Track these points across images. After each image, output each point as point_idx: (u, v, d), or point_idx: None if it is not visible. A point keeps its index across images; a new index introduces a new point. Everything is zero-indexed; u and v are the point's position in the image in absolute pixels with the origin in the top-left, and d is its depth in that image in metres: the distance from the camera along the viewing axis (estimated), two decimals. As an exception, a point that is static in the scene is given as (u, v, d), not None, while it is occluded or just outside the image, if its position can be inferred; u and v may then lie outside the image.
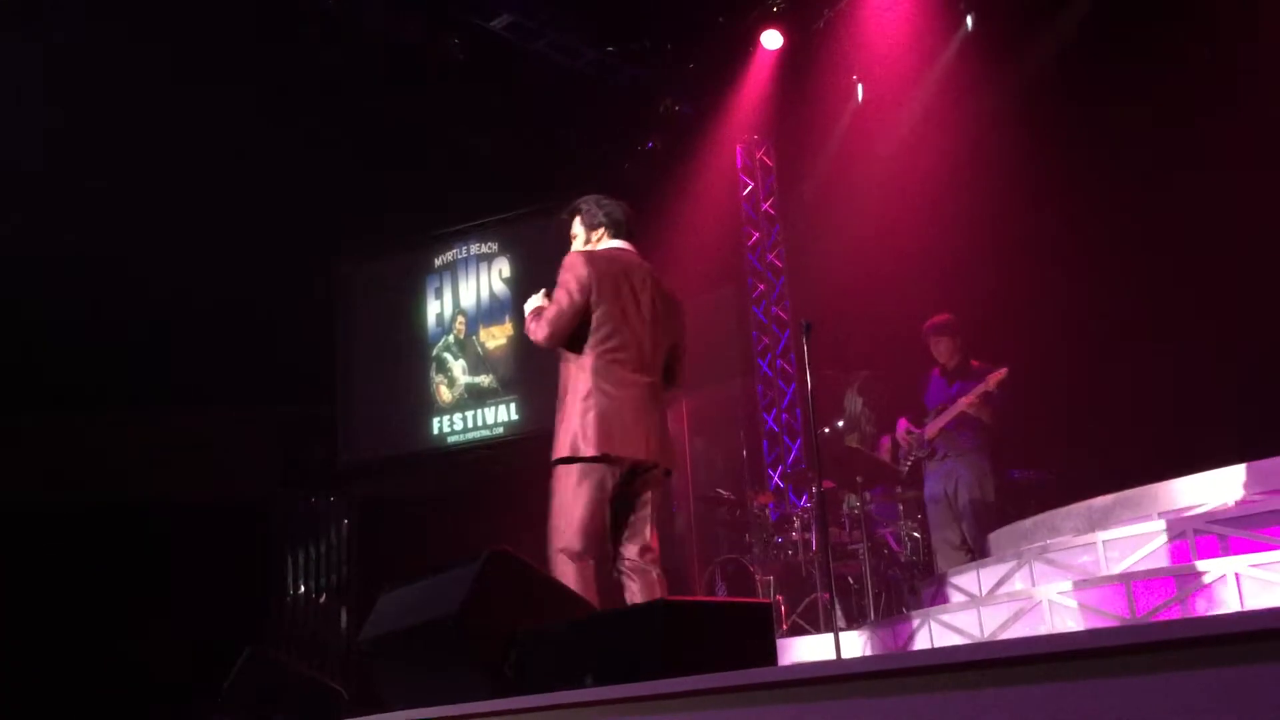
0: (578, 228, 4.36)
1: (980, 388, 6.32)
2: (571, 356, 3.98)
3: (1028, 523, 5.73)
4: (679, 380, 4.22)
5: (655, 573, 3.93)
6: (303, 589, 12.19)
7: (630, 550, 3.96)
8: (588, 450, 3.77)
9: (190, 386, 11.45)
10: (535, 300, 4.10)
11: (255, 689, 4.27)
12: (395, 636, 2.68)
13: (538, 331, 3.94)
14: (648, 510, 4.03)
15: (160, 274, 10.71)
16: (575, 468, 3.81)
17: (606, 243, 4.25)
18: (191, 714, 5.01)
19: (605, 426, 3.79)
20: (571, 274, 3.95)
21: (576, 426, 3.82)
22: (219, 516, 11.63)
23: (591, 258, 4.04)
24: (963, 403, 6.38)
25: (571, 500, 3.78)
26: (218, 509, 11.65)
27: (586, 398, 3.84)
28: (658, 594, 3.73)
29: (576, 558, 3.70)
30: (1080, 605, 4.27)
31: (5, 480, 11.25)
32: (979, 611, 4.85)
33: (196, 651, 9.26)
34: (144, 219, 10.54)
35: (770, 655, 1.91)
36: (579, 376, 3.92)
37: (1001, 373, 6.31)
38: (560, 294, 3.94)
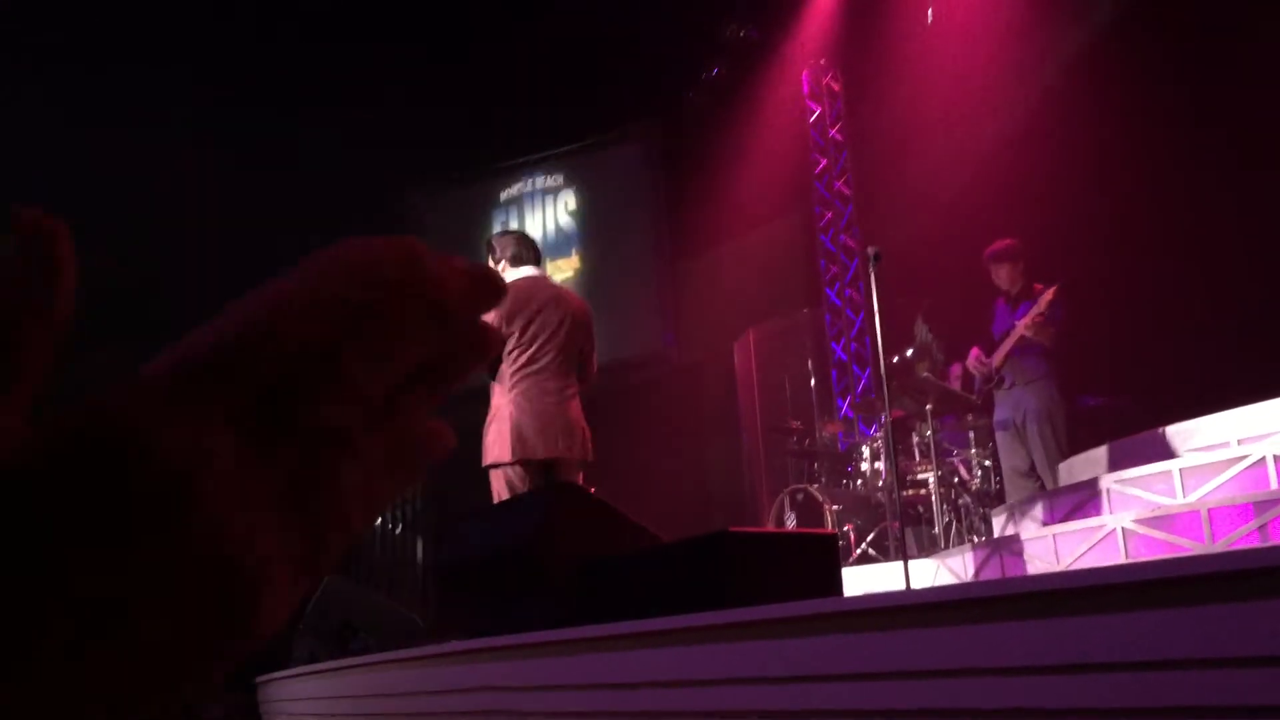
0: (490, 262, 5.01)
1: (1034, 310, 6.19)
2: (495, 378, 4.67)
3: (1101, 450, 5.64)
4: (589, 378, 4.87)
5: None
6: (379, 520, 12.46)
7: None
8: (505, 457, 4.45)
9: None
10: None
11: (333, 615, 4.39)
12: (467, 566, 2.73)
13: None
14: None
15: (234, 212, 10.88)
16: (499, 471, 4.48)
17: (511, 273, 4.83)
18: (274, 637, 5.17)
19: (517, 435, 4.47)
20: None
21: (495, 437, 4.52)
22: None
23: (515, 285, 4.68)
24: (1020, 327, 6.25)
25: (500, 495, 4.42)
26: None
27: (502, 411, 4.56)
28: None
29: None
30: (1155, 534, 4.21)
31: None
32: (1052, 540, 4.81)
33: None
34: (219, 158, 10.69)
35: (836, 586, 1.90)
36: (500, 394, 4.62)
37: (1049, 293, 6.15)
38: None
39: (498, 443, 4.49)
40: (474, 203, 12.66)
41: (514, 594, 2.40)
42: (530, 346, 4.60)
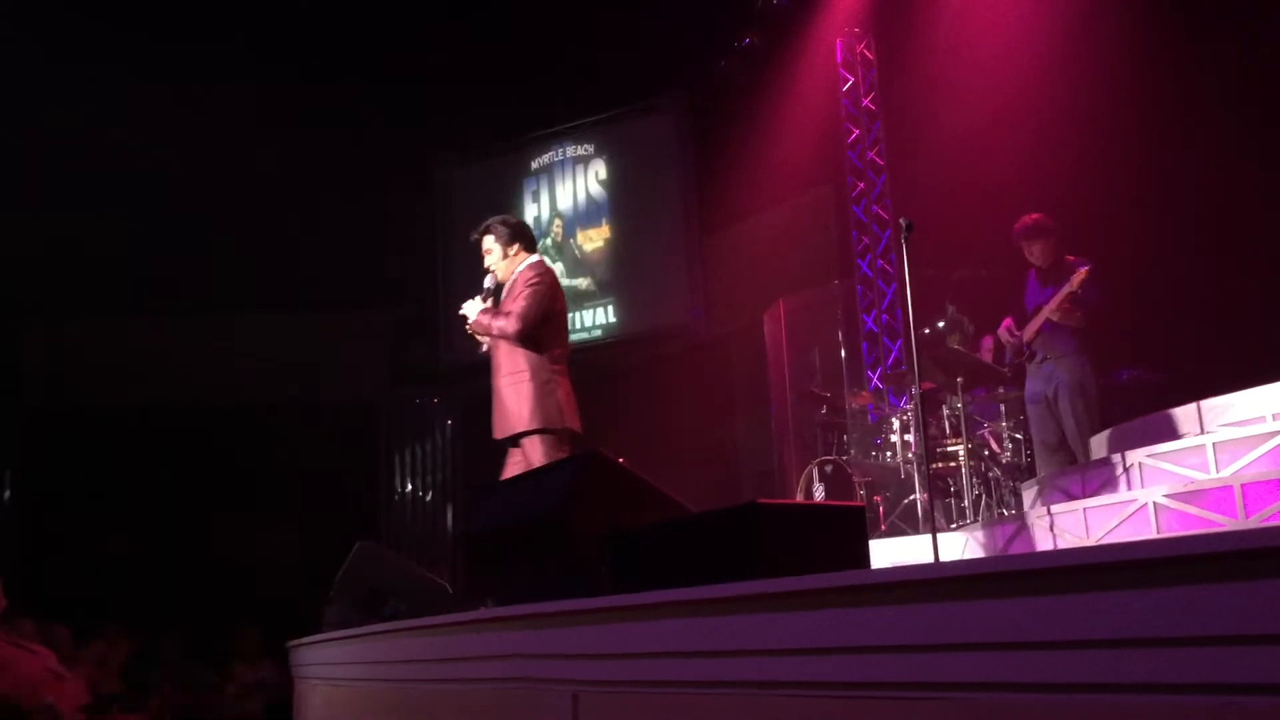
0: (492, 244, 5.11)
1: (1064, 290, 6.09)
2: (527, 349, 4.80)
3: (1135, 424, 5.59)
4: None
5: None
6: (409, 487, 12.54)
7: None
8: (571, 423, 4.74)
9: (302, 292, 11.75)
10: (476, 304, 4.97)
11: (364, 581, 4.43)
12: (494, 535, 2.74)
13: (510, 326, 4.76)
14: None
15: (272, 186, 10.96)
16: (552, 436, 4.70)
17: (526, 257, 5.05)
18: (306, 602, 5.26)
19: (571, 406, 4.79)
20: (544, 284, 4.84)
21: (553, 403, 4.74)
22: (330, 417, 12.00)
23: (552, 272, 4.95)
24: (1048, 309, 6.17)
25: (532, 461, 4.59)
26: (329, 410, 12.02)
27: (549, 382, 4.78)
28: None
29: None
30: (1187, 509, 4.18)
31: (130, 382, 11.80)
32: (1083, 514, 4.78)
33: (310, 545, 9.64)
34: (255, 131, 10.74)
35: (863, 559, 1.90)
36: (541, 365, 4.80)
37: (1082, 273, 6.03)
38: (535, 297, 4.78)
39: (546, 409, 4.73)
40: (505, 171, 12.66)
41: (541, 563, 2.41)
42: (563, 334, 4.96)
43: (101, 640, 7.67)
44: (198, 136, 10.64)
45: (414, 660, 3.15)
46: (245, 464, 11.68)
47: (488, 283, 5.17)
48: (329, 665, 4.57)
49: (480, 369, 12.99)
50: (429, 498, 12.45)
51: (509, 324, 4.77)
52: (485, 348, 5.06)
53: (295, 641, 5.42)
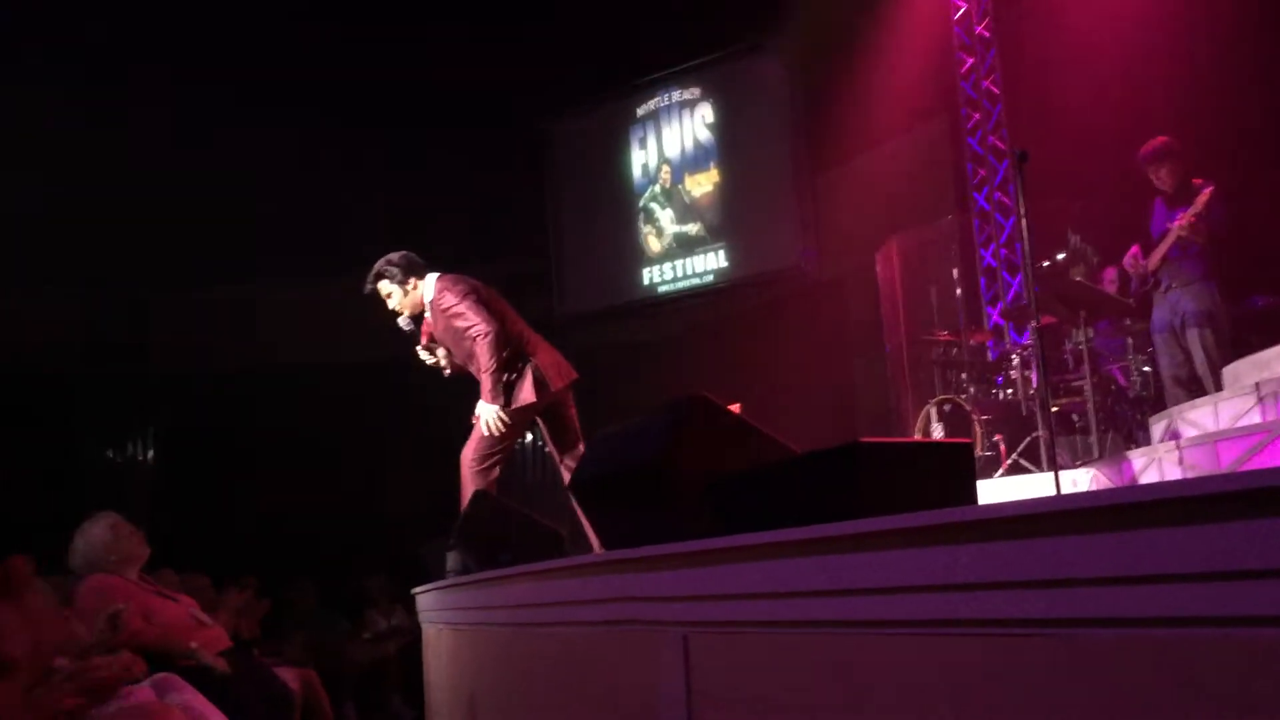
0: (389, 288, 5.28)
1: (1191, 210, 5.87)
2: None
3: (1270, 352, 5.36)
4: None
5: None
6: (529, 436, 12.71)
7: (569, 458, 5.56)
8: (532, 399, 5.13)
9: (416, 250, 11.95)
10: (432, 355, 5.40)
11: (483, 530, 4.51)
12: (600, 481, 2.76)
13: (482, 345, 4.99)
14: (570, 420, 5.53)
15: (382, 151, 11.13)
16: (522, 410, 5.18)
17: (431, 277, 5.23)
18: (428, 548, 5.46)
19: (540, 382, 5.13)
20: (462, 299, 5.04)
21: (523, 386, 5.10)
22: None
23: (455, 281, 5.12)
24: (1175, 228, 5.95)
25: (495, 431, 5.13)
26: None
27: (524, 366, 5.14)
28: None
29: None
30: (1327, 439, 3.99)
31: (256, 344, 12.18)
32: (1214, 447, 4.61)
33: (431, 495, 9.87)
34: (362, 96, 10.90)
35: (971, 497, 1.85)
36: (514, 352, 5.13)
37: (1207, 192, 5.81)
38: (470, 315, 5.00)
39: (526, 389, 5.11)
40: (611, 120, 12.63)
41: (645, 508, 2.42)
42: (509, 317, 5.17)
43: (241, 589, 7.99)
44: (303, 109, 10.86)
45: (527, 604, 3.21)
46: (372, 419, 12.03)
47: (404, 325, 5.36)
48: (450, 610, 4.69)
49: (595, 319, 13.07)
50: (547, 447, 12.61)
51: (480, 346, 4.99)
52: (447, 371, 5.41)
53: (420, 589, 5.58)
